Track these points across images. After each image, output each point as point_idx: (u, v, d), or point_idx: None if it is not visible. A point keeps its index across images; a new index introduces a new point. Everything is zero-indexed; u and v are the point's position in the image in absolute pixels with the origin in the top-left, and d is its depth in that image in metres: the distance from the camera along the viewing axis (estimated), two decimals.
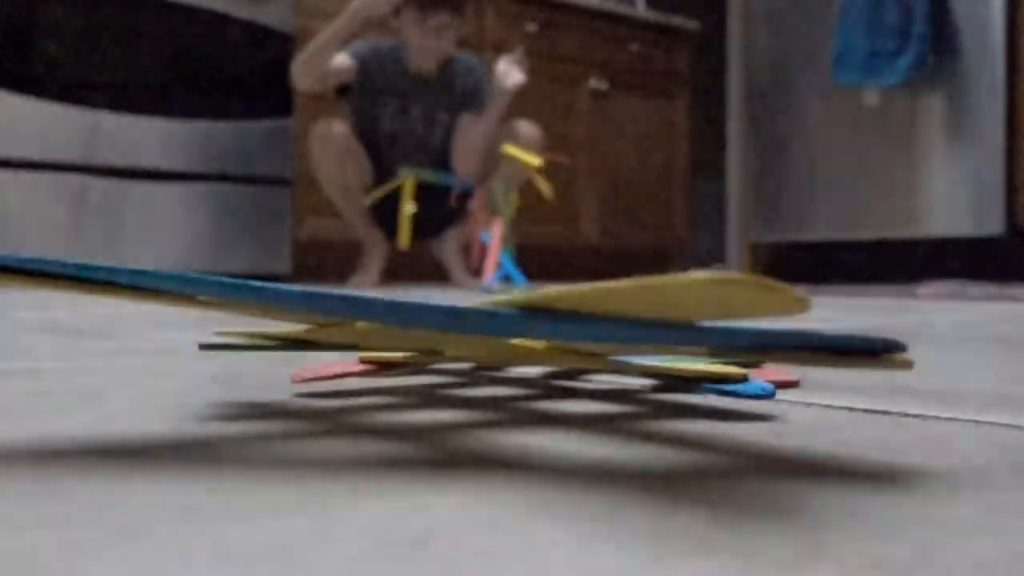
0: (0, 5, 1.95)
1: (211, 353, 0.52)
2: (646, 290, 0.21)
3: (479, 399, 0.35)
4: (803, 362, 0.25)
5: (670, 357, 0.41)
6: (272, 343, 0.35)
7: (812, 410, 0.33)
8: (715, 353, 0.28)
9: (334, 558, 0.16)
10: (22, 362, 0.47)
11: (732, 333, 0.23)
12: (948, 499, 0.21)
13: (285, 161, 2.30)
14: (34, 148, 1.98)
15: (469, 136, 2.06)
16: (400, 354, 0.38)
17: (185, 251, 2.16)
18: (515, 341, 0.33)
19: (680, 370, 0.37)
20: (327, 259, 2.51)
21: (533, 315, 0.24)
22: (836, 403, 0.35)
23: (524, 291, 0.26)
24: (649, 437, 0.28)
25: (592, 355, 0.34)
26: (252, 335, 0.35)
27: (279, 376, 0.42)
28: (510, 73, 2.04)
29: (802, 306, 0.20)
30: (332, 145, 1.98)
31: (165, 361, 0.48)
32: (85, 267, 0.25)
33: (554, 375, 0.42)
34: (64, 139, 2.02)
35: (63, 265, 0.24)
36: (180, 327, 0.74)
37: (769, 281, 0.19)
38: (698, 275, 0.19)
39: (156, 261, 2.13)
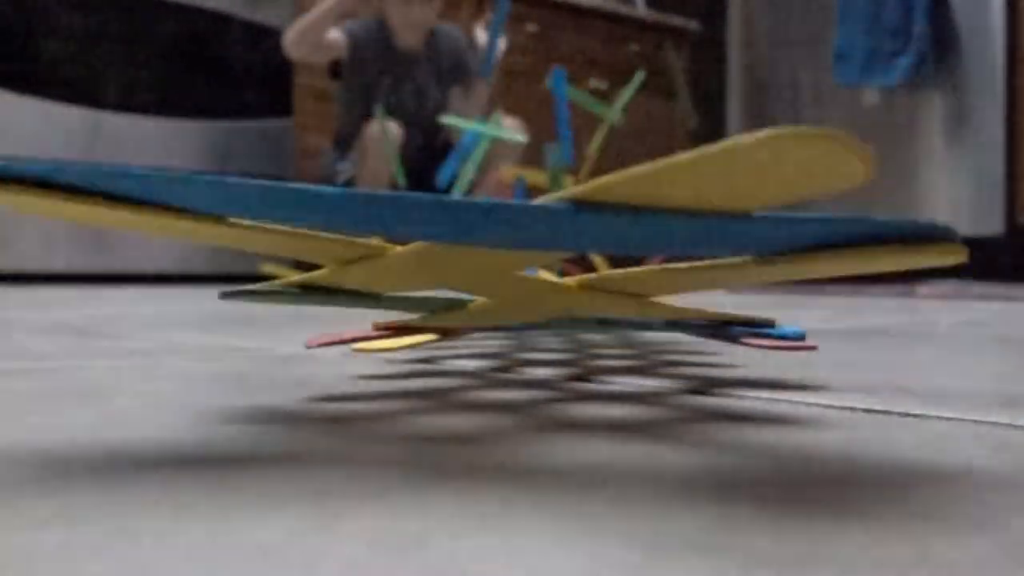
0: (0, 5, 1.95)
1: (213, 352, 0.52)
2: (702, 161, 0.19)
3: (491, 402, 0.35)
4: (857, 260, 0.24)
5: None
6: (292, 290, 0.34)
7: (813, 410, 0.33)
8: (763, 258, 0.26)
9: (334, 558, 0.16)
10: (22, 362, 0.47)
11: (786, 221, 0.22)
12: (948, 499, 0.21)
13: (285, 161, 2.30)
14: (34, 148, 1.98)
15: (462, 111, 2.08)
16: (415, 315, 0.37)
17: (184, 251, 2.16)
18: (546, 281, 0.32)
19: (711, 315, 0.36)
20: None
21: (584, 210, 0.23)
22: (837, 403, 0.35)
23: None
24: (651, 438, 0.28)
25: (624, 296, 0.33)
26: (271, 284, 0.34)
27: (281, 377, 0.42)
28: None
29: (866, 166, 0.19)
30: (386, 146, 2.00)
31: (166, 361, 0.48)
32: (94, 173, 0.22)
33: (571, 378, 0.42)
34: (64, 139, 2.02)
35: (64, 171, 0.22)
36: (181, 327, 0.74)
37: (836, 133, 0.18)
38: (756, 135, 0.18)
39: (155, 261, 2.13)
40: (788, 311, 1.03)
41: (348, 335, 0.37)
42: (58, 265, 2.01)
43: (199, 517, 0.19)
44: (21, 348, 0.55)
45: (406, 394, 0.37)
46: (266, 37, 2.27)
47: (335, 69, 2.08)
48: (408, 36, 2.03)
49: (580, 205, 0.23)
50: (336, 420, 0.30)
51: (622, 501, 0.20)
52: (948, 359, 0.51)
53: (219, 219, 0.25)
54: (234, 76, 2.23)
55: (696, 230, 0.23)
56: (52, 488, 0.21)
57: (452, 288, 0.33)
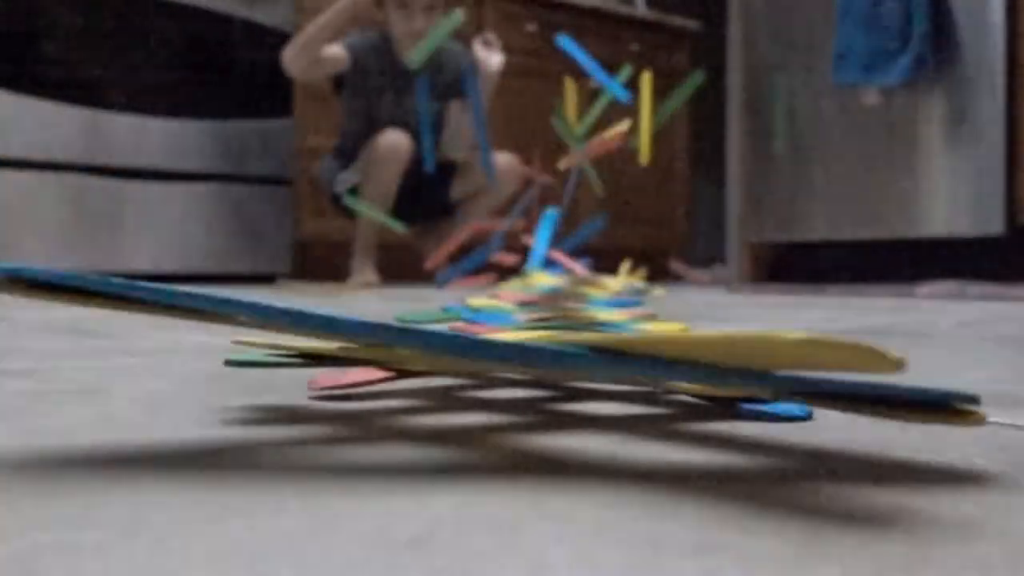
0: (0, 5, 1.95)
1: (213, 352, 0.52)
2: (733, 345, 0.20)
3: (492, 401, 0.35)
4: (875, 415, 0.24)
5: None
6: (302, 360, 0.35)
7: (813, 410, 0.33)
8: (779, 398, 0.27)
9: (334, 558, 0.16)
10: (22, 362, 0.47)
11: (813, 383, 0.23)
12: (948, 499, 0.21)
13: (285, 161, 2.30)
14: (34, 148, 1.98)
15: (458, 125, 2.08)
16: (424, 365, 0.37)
17: (184, 251, 2.16)
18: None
19: (715, 392, 0.37)
20: (327, 259, 2.51)
21: (605, 357, 0.24)
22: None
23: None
24: (651, 438, 0.28)
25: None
26: (278, 348, 0.35)
27: (281, 377, 0.42)
28: (491, 57, 2.07)
29: (898, 367, 0.19)
30: (398, 155, 1.99)
31: (165, 361, 0.48)
32: (126, 286, 0.24)
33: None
34: (64, 139, 2.02)
35: (104, 284, 0.23)
36: (180, 327, 0.74)
37: (867, 344, 0.19)
38: (793, 335, 0.19)
39: (155, 261, 2.13)
40: (789, 311, 1.03)
41: (351, 379, 0.37)
42: (58, 265, 2.01)
43: (199, 517, 0.19)
44: (21, 348, 0.55)
45: (406, 393, 0.37)
46: (266, 37, 2.27)
47: (337, 82, 2.08)
48: (411, 48, 2.03)
49: (600, 352, 0.23)
50: (336, 420, 0.30)
51: (622, 500, 0.20)
52: (948, 359, 0.51)
53: (234, 318, 0.27)
54: (234, 76, 2.23)
55: (715, 378, 0.23)
56: (52, 488, 0.21)
57: (474, 369, 0.34)
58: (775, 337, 0.19)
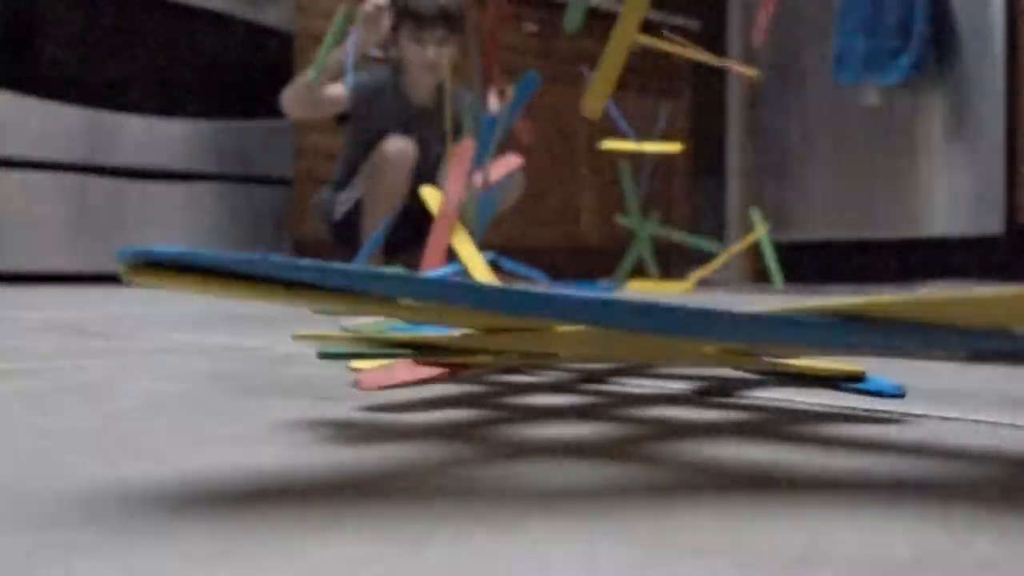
0: (0, 5, 1.95)
1: (213, 352, 0.52)
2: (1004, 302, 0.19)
3: (496, 404, 0.35)
4: None
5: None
6: (404, 351, 0.33)
7: (813, 410, 0.33)
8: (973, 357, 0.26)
9: (333, 557, 0.16)
10: (22, 362, 0.47)
11: None
12: (948, 499, 0.21)
13: (285, 161, 2.30)
14: (34, 148, 1.98)
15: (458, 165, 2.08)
16: (485, 357, 0.35)
17: None
18: (690, 346, 0.32)
19: (814, 369, 0.37)
20: (327, 259, 2.51)
21: (847, 324, 0.23)
22: (837, 403, 0.35)
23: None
24: (651, 439, 0.28)
25: (743, 355, 0.33)
26: (368, 340, 0.33)
27: (282, 377, 0.42)
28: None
29: None
30: (405, 159, 1.99)
31: (166, 361, 0.48)
32: (288, 266, 0.22)
33: (586, 379, 0.42)
34: (64, 139, 2.02)
35: (263, 265, 0.22)
36: (180, 327, 0.74)
37: None
38: None
39: None
40: None
41: (408, 376, 0.36)
42: (57, 265, 2.01)
43: (198, 517, 0.19)
44: (21, 348, 0.55)
45: (408, 396, 0.37)
46: (266, 37, 2.27)
47: (340, 116, 2.07)
48: (421, 85, 2.03)
49: (848, 319, 0.23)
50: (336, 421, 0.30)
51: (621, 500, 0.20)
52: (948, 359, 0.51)
53: (389, 300, 0.25)
54: (234, 76, 2.23)
55: (955, 342, 0.22)
56: (52, 489, 0.21)
57: (608, 356, 0.33)
58: None
